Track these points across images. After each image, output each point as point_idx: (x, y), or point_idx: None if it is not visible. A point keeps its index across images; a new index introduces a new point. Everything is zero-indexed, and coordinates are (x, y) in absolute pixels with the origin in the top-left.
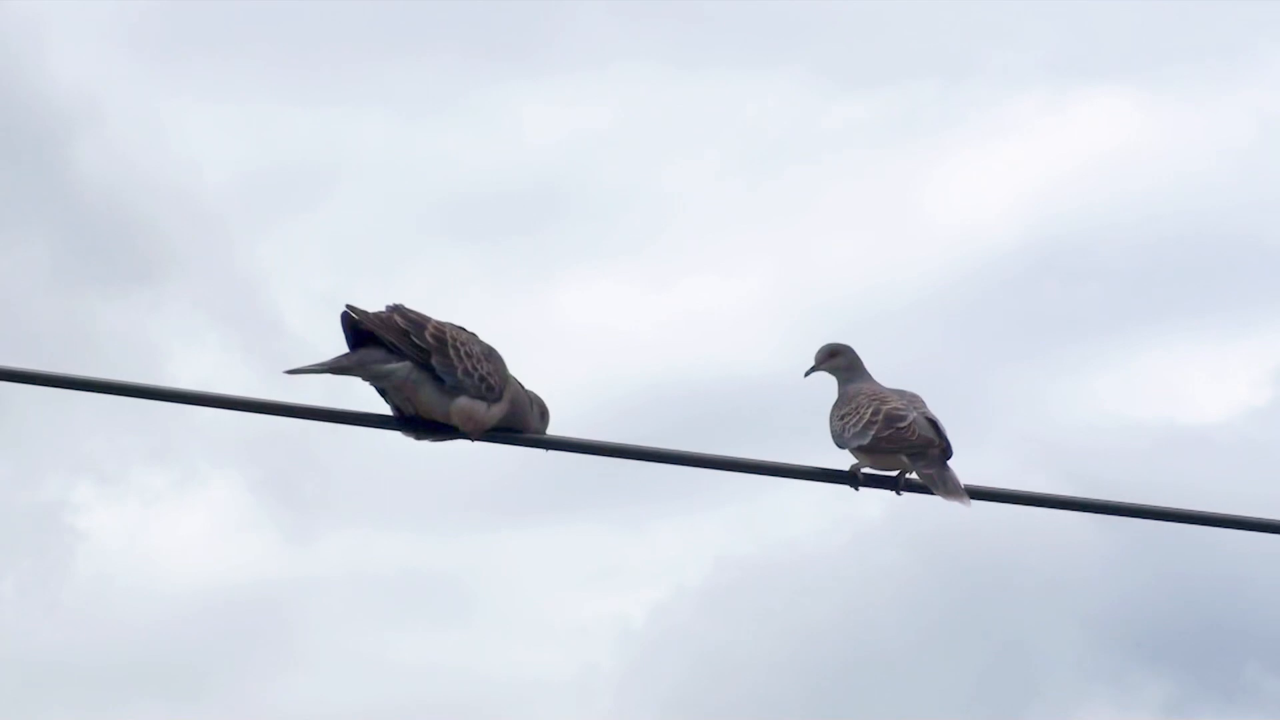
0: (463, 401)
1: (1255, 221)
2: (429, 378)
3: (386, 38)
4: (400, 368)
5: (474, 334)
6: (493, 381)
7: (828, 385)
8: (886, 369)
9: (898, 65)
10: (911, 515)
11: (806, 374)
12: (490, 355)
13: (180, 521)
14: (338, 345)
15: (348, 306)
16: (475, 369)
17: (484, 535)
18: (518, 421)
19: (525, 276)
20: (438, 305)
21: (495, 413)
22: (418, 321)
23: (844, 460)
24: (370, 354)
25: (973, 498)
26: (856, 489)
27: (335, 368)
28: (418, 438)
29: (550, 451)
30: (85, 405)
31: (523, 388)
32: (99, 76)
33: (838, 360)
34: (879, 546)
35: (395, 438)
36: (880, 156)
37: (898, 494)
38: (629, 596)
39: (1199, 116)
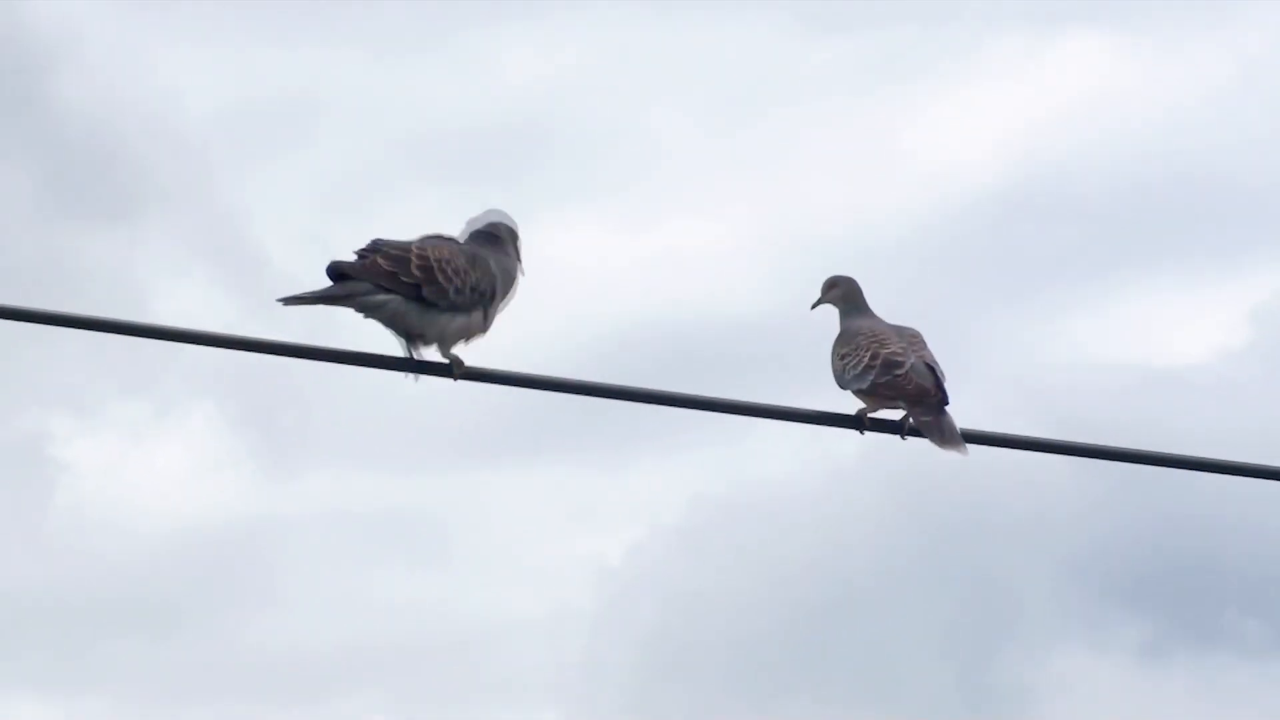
0: (459, 322)
1: (1234, 163)
2: (418, 305)
3: None
4: (392, 300)
5: (453, 240)
6: (483, 288)
7: (809, 327)
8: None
9: (876, 8)
10: (888, 455)
11: (813, 306)
12: (474, 260)
13: (160, 457)
14: (323, 280)
15: (331, 263)
16: (465, 284)
17: (462, 474)
18: (511, 284)
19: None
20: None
21: (492, 313)
22: (400, 257)
23: (838, 399)
24: (358, 285)
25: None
26: (862, 433)
27: (327, 297)
28: (408, 374)
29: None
30: (66, 339)
31: (494, 244)
32: (79, 11)
33: (835, 292)
34: (855, 486)
35: (374, 375)
36: (861, 99)
37: (902, 438)
38: (606, 536)
39: (1178, 58)
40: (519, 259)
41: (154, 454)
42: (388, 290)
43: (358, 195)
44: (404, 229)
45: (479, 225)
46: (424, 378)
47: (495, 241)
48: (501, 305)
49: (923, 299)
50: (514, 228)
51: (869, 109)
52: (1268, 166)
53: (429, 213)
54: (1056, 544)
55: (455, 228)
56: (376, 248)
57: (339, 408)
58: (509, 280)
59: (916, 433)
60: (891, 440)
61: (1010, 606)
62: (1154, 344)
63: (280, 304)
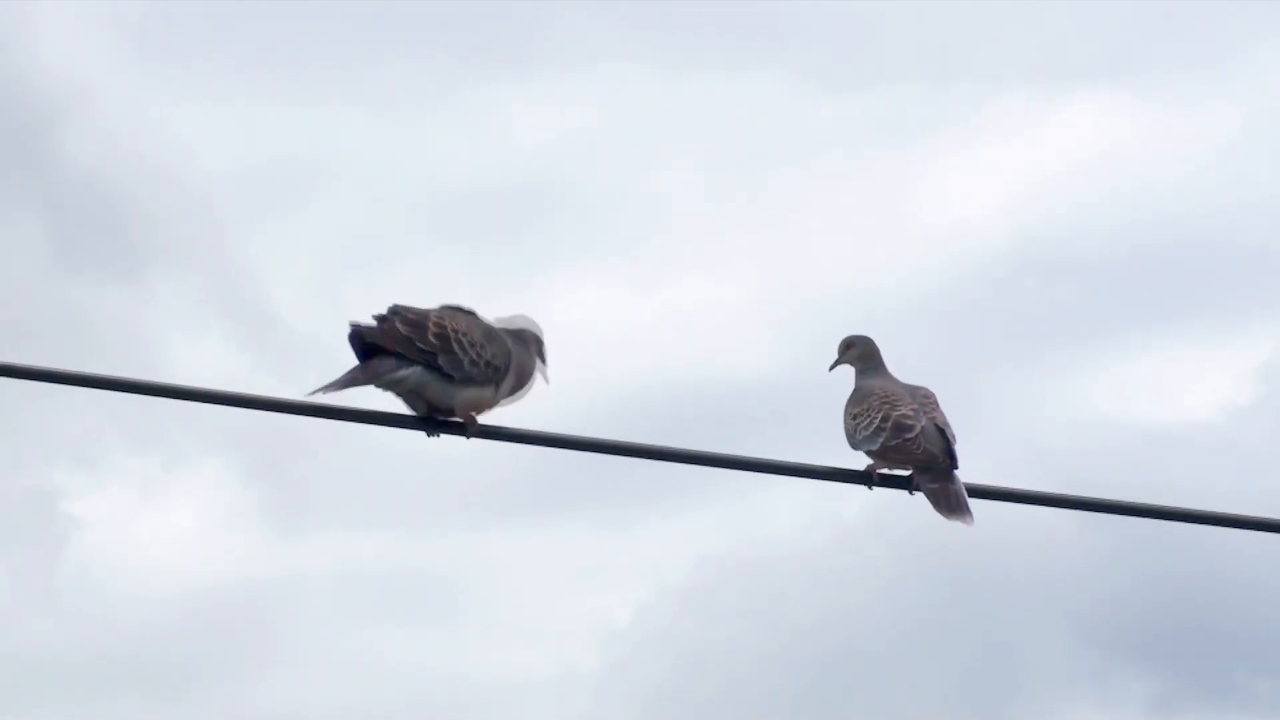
0: (469, 393)
1: (1240, 221)
2: (438, 376)
3: (374, 37)
4: (411, 374)
5: (471, 313)
6: (498, 363)
7: (816, 386)
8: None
9: (883, 68)
10: (895, 513)
11: (830, 368)
12: (490, 335)
13: (169, 515)
14: (333, 337)
15: (351, 324)
16: (480, 356)
17: (470, 534)
18: (524, 377)
19: (513, 276)
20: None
21: (504, 390)
22: (419, 323)
23: (847, 458)
24: (381, 364)
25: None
26: (870, 488)
27: (350, 382)
28: (430, 434)
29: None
30: (77, 395)
31: (512, 334)
32: (87, 67)
33: (852, 352)
34: (861, 544)
35: (381, 433)
36: (867, 158)
37: (910, 494)
38: (613, 596)
39: (1183, 118)
40: (544, 365)
41: (164, 512)
42: (407, 363)
43: (367, 254)
44: (414, 288)
45: (506, 326)
46: (442, 435)
47: (520, 341)
48: (513, 397)
49: (929, 357)
50: (540, 335)
51: (875, 168)
52: (1273, 224)
53: (438, 272)
54: (1065, 600)
55: (461, 286)
56: (395, 312)
57: (347, 466)
58: (524, 375)
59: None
60: (898, 498)
61: (1019, 663)
62: (1161, 401)
63: (308, 396)
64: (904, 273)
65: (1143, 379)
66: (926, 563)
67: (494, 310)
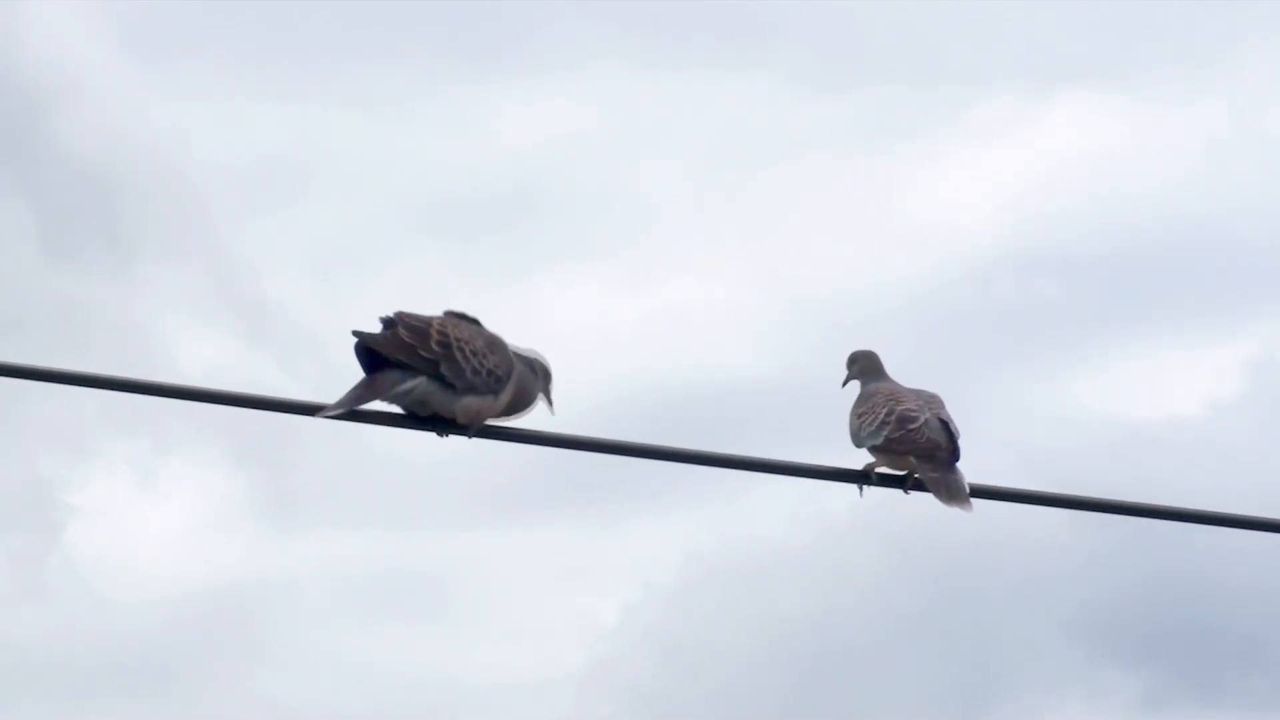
0: (470, 401)
1: (1225, 220)
2: (441, 385)
3: (363, 37)
4: (415, 386)
5: (474, 321)
6: (500, 373)
7: (806, 387)
8: None
9: (871, 68)
10: (884, 512)
11: (843, 384)
12: (493, 345)
13: (160, 513)
14: (327, 332)
15: (354, 333)
16: (482, 365)
17: (459, 534)
18: (526, 397)
19: (503, 276)
20: (421, 305)
21: (503, 400)
22: (421, 330)
23: (838, 458)
24: (385, 378)
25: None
26: (861, 493)
27: (359, 399)
28: (441, 434)
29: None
30: (70, 389)
31: (521, 357)
32: (78, 60)
33: (855, 366)
34: (850, 542)
35: (373, 433)
36: (856, 159)
37: (905, 493)
38: (601, 595)
39: (1171, 118)
40: (548, 397)
41: (156, 507)
42: (411, 374)
43: (358, 251)
44: (406, 286)
45: (518, 351)
46: (450, 435)
47: (528, 365)
48: (513, 415)
49: (918, 357)
50: (549, 369)
51: (864, 169)
52: (1259, 222)
53: (429, 270)
54: (1054, 598)
55: (452, 286)
56: (399, 318)
57: (339, 464)
58: (527, 397)
59: (921, 487)
60: (888, 497)
61: (1008, 661)
62: (1148, 399)
63: (321, 417)
64: (892, 273)
65: (1130, 377)
66: (915, 561)
67: (502, 325)
